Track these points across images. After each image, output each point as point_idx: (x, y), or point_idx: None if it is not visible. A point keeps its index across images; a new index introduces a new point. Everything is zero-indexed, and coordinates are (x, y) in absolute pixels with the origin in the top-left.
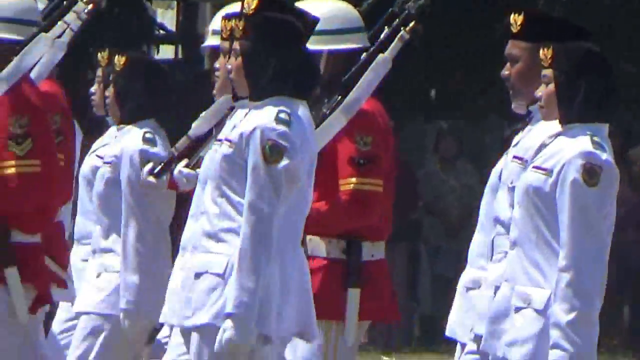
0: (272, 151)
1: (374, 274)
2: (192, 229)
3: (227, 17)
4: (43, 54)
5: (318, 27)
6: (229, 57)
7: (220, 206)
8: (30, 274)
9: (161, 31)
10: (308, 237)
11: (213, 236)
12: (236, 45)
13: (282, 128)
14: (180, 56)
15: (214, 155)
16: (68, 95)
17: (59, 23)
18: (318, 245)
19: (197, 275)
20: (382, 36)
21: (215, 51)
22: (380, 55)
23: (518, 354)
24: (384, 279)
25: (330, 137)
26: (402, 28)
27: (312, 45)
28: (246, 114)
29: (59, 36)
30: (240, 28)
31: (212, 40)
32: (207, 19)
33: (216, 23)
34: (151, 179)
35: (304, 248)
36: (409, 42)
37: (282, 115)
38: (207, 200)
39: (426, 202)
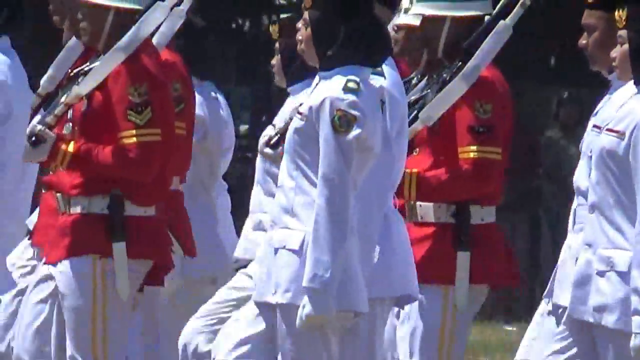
0: (342, 121)
1: (484, 237)
2: (273, 203)
3: None
4: (160, 22)
5: None
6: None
7: (295, 180)
8: (143, 249)
9: (281, 0)
10: (418, 203)
11: (289, 211)
12: (306, 15)
13: (350, 97)
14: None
15: (290, 128)
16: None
17: None
18: (428, 211)
19: (276, 251)
20: (503, 2)
21: None
22: (502, 22)
23: (610, 321)
24: (497, 243)
25: (450, 104)
26: None
27: (435, 11)
28: (317, 84)
29: (178, 4)
30: None
31: None
32: None
33: None
34: (268, 150)
35: (414, 214)
36: (530, 8)
37: (351, 85)
38: (283, 174)
39: (547, 169)
